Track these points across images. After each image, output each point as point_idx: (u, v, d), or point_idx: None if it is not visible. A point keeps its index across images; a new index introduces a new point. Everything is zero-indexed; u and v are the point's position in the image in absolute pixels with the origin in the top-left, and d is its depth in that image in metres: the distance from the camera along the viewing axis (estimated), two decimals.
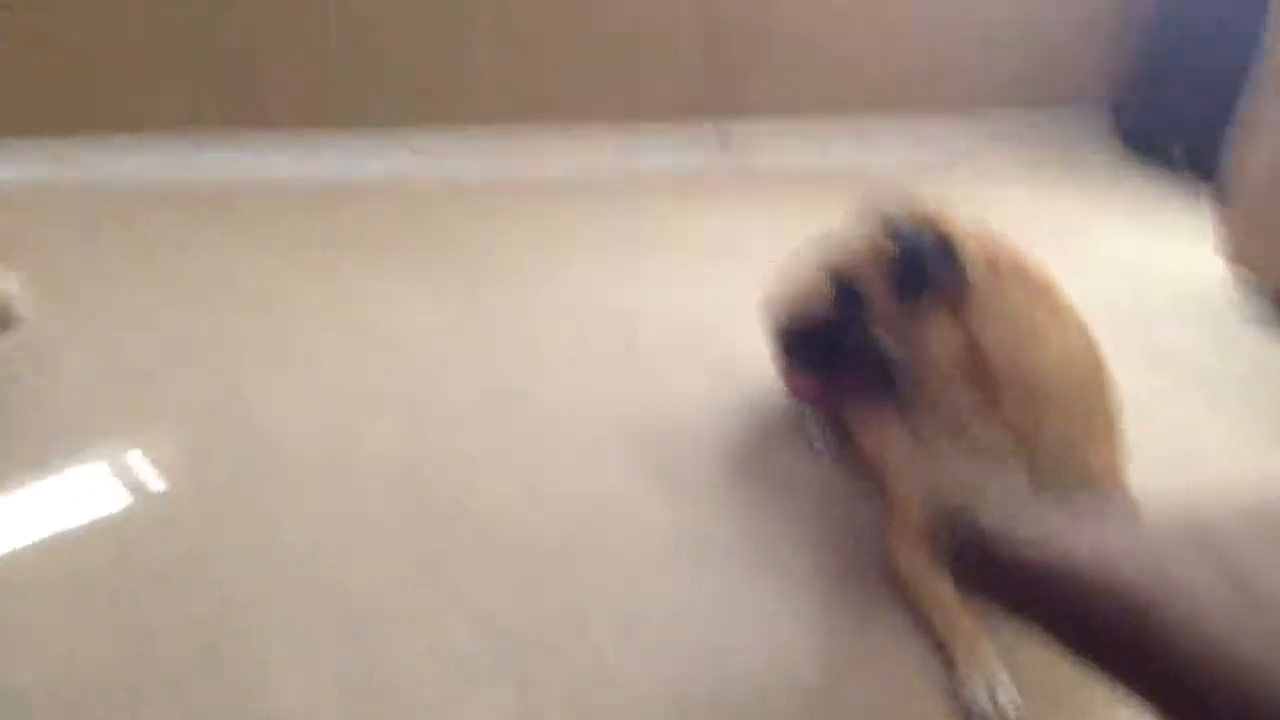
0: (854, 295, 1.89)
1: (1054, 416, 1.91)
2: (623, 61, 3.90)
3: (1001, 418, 1.89)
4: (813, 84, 4.15)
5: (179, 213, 3.26)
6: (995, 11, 4.29)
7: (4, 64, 3.31)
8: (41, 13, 3.30)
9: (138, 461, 2.21)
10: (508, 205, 3.53)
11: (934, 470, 1.97)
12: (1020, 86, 4.43)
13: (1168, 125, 4.23)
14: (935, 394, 1.89)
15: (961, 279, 1.82)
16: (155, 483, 2.16)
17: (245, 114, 3.55)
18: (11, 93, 3.34)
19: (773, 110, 4.12)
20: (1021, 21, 4.34)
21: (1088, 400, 1.95)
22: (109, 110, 3.43)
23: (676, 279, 3.14)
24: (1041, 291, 1.90)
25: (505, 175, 3.71)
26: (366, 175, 3.63)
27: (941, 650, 1.88)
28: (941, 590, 1.93)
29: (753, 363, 2.65)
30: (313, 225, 3.28)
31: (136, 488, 2.14)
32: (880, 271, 1.87)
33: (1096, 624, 1.04)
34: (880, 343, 1.87)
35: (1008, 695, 1.77)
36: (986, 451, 1.92)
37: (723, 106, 4.05)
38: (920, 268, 1.83)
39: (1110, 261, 3.42)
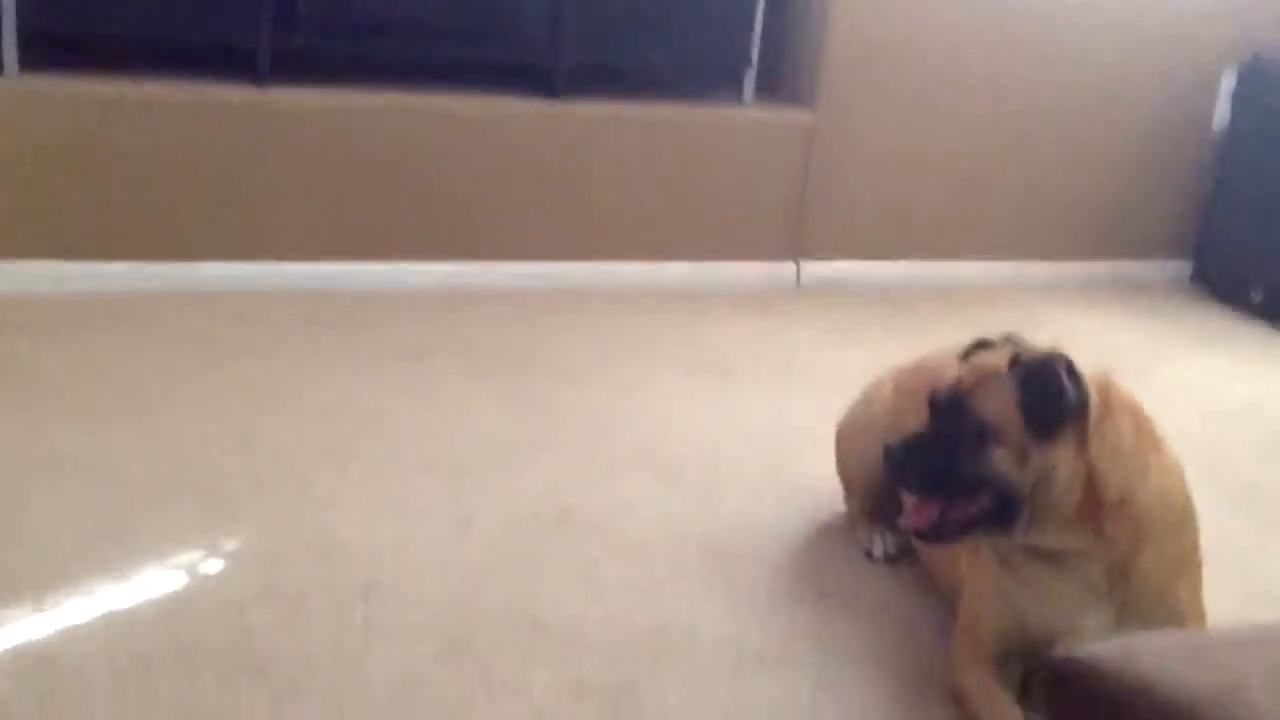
0: (975, 423, 1.88)
1: (1150, 553, 1.91)
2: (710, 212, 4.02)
3: (1104, 552, 1.90)
4: (890, 230, 4.23)
5: (255, 320, 3.34)
6: (1074, 166, 4.36)
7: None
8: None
9: (202, 557, 2.25)
10: (581, 322, 3.58)
11: (1021, 598, 1.96)
12: (1099, 239, 4.48)
13: (1247, 270, 4.24)
14: (1047, 526, 1.89)
15: (1087, 412, 1.85)
16: (219, 578, 2.19)
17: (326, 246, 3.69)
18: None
19: (850, 254, 4.20)
20: (1100, 175, 4.40)
21: (1181, 538, 1.96)
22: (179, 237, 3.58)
23: (747, 399, 3.17)
24: (1146, 428, 1.92)
25: (583, 294, 3.78)
26: (449, 289, 3.72)
27: None
28: (1007, 712, 1.90)
29: (816, 481, 2.66)
30: (392, 332, 3.35)
31: (200, 582, 2.17)
32: (1010, 400, 1.87)
33: None
34: (1002, 472, 1.87)
35: None
36: (1083, 585, 1.92)
37: (802, 249, 4.14)
38: (1056, 399, 1.85)
39: (1192, 399, 3.40)
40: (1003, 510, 1.88)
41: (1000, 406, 1.87)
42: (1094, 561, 1.90)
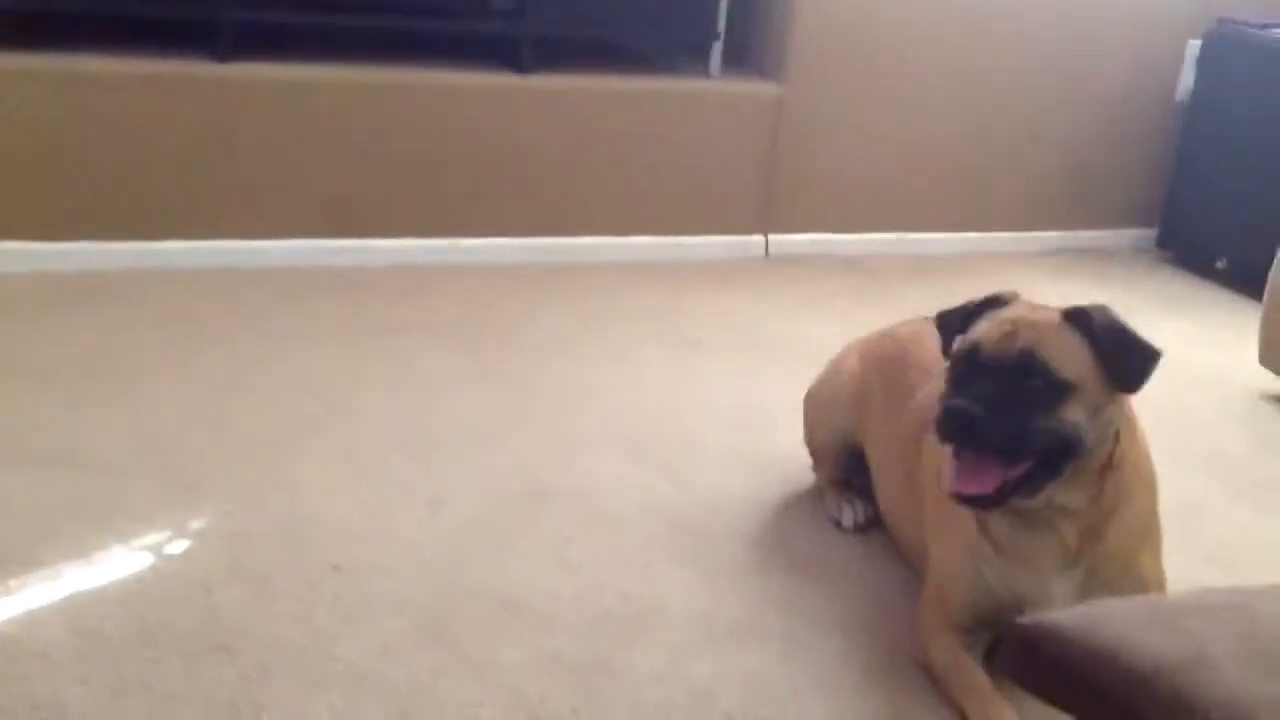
0: (1056, 379, 1.83)
1: (1123, 516, 1.93)
2: (678, 186, 4.01)
3: (1091, 511, 1.91)
4: (858, 202, 4.23)
5: (223, 298, 3.32)
6: (1040, 136, 4.37)
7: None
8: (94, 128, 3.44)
9: (168, 538, 2.23)
10: (551, 297, 3.57)
11: (992, 564, 1.96)
12: (1066, 208, 4.49)
13: (1212, 237, 4.26)
14: (1075, 481, 1.88)
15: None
16: (186, 558, 2.17)
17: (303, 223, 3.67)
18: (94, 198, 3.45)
19: (818, 226, 4.20)
20: (1066, 145, 4.41)
21: (1148, 503, 1.97)
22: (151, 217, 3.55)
23: (717, 372, 3.17)
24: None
25: (552, 269, 3.76)
26: (419, 265, 3.70)
27: None
28: (976, 677, 1.91)
29: (783, 453, 2.67)
30: (362, 309, 3.33)
31: (167, 562, 2.15)
32: (1086, 354, 1.85)
33: (1138, 715, 1.03)
34: (1079, 426, 1.83)
35: None
36: (1057, 547, 1.93)
37: (771, 222, 4.13)
38: (1138, 351, 1.87)
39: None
40: (1051, 467, 1.85)
41: (1078, 360, 1.84)
42: (1076, 521, 1.90)
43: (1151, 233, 4.57)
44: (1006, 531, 1.94)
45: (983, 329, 1.90)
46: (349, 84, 3.65)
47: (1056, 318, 1.89)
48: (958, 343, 1.93)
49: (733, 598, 2.20)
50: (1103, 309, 1.90)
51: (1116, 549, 1.94)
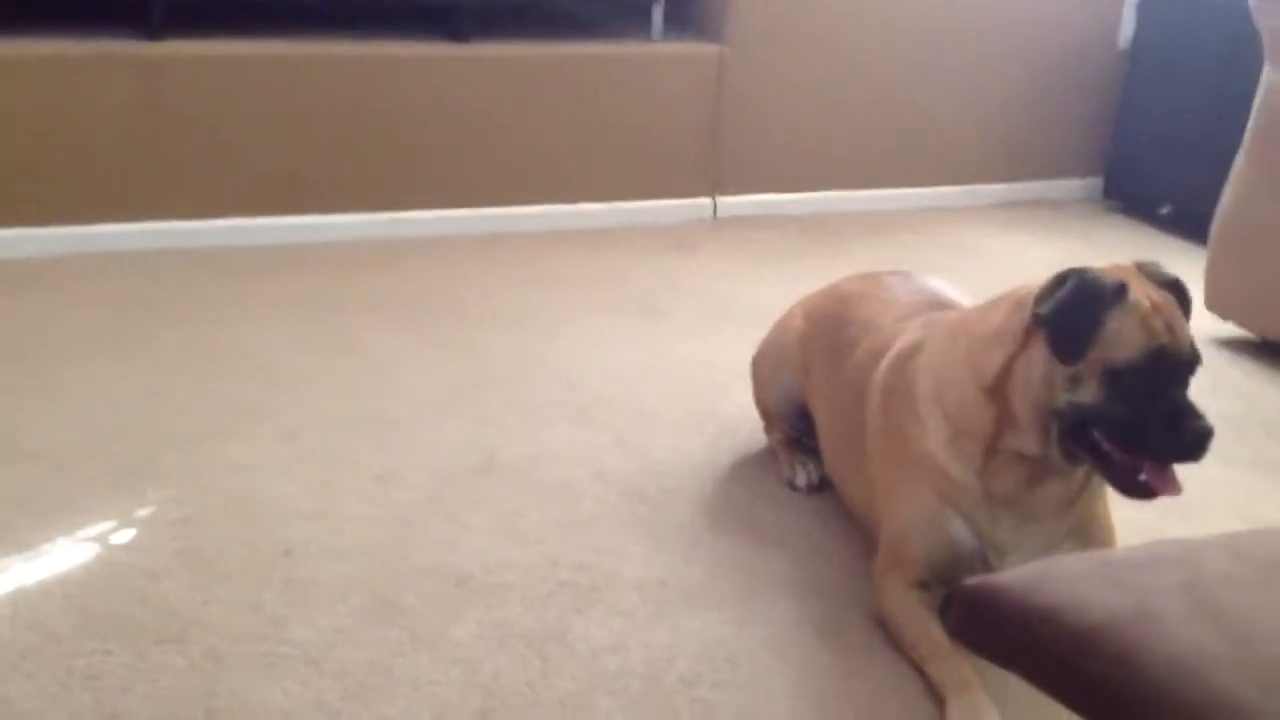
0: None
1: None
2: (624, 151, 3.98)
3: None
4: (806, 161, 4.21)
5: (163, 281, 3.26)
6: (984, 90, 4.36)
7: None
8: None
9: (114, 527, 2.19)
10: (499, 267, 3.53)
11: (975, 516, 1.95)
12: (1012, 160, 4.49)
13: (1156, 185, 4.28)
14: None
15: None
16: (132, 547, 2.13)
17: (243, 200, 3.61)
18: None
19: (766, 187, 4.18)
20: (1011, 98, 4.41)
21: None
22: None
23: (668, 337, 3.15)
24: None
25: (500, 240, 3.73)
26: (363, 240, 3.66)
27: (934, 693, 1.87)
28: (933, 633, 1.92)
29: (735, 415, 2.66)
30: (307, 287, 3.29)
31: (113, 552, 2.12)
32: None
33: (1082, 672, 1.02)
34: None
35: None
36: (1059, 500, 1.94)
37: (719, 184, 4.11)
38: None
39: None
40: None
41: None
42: (1079, 471, 1.93)
43: (1098, 182, 4.59)
44: (1016, 484, 1.92)
45: (1153, 328, 1.81)
46: (285, 58, 3.59)
47: (1172, 298, 1.87)
48: (1141, 351, 1.79)
49: (688, 563, 2.19)
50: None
51: (1088, 496, 1.96)
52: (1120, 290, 1.80)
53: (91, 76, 3.41)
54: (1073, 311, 1.80)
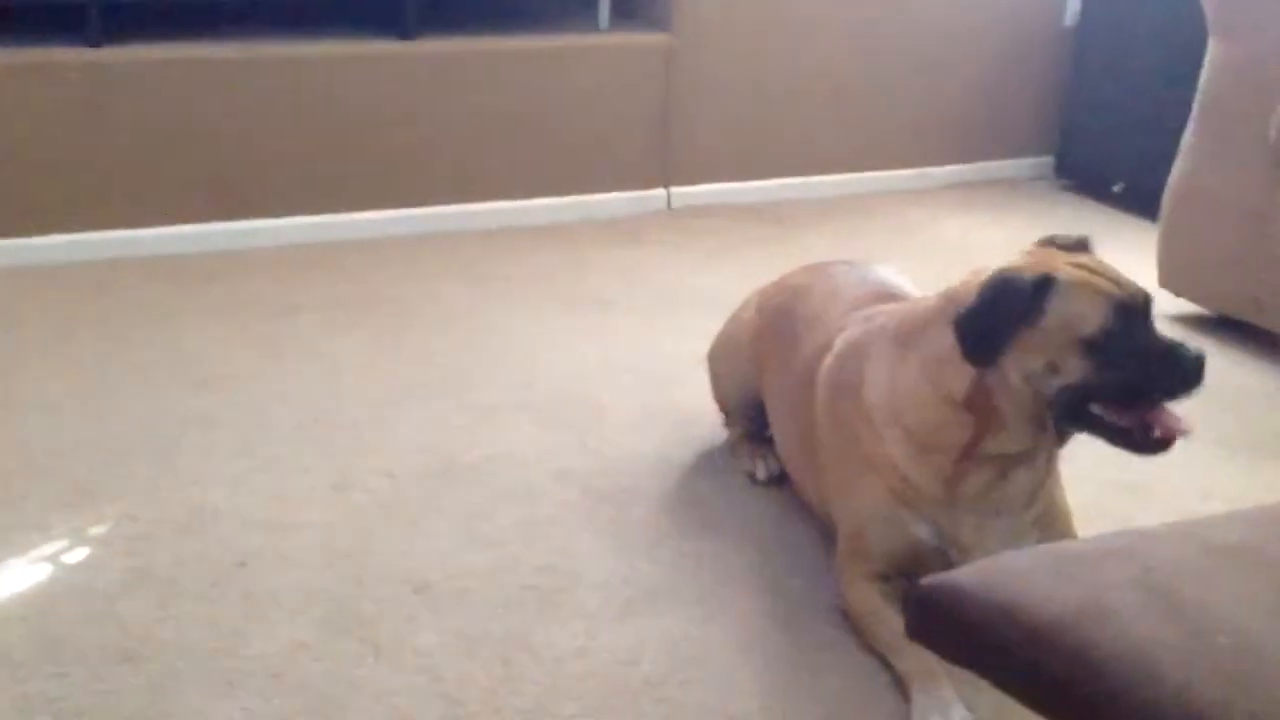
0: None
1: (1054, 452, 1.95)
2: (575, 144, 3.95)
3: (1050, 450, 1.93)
4: (758, 149, 4.20)
5: (107, 291, 3.22)
6: (934, 71, 4.36)
7: None
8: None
9: (66, 547, 2.16)
10: (451, 266, 3.50)
11: (934, 513, 1.95)
12: (964, 141, 4.50)
13: (1107, 162, 4.30)
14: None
15: None
16: (86, 567, 2.10)
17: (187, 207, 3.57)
18: None
19: (719, 176, 4.17)
20: (960, 78, 4.41)
21: None
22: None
23: (625, 331, 3.14)
24: None
25: (451, 238, 3.70)
26: (313, 242, 3.62)
27: (898, 684, 1.86)
28: (895, 625, 1.91)
29: (694, 409, 2.64)
30: (254, 293, 3.25)
31: (66, 573, 2.09)
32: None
33: (1038, 669, 1.02)
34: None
35: None
36: (1030, 488, 1.94)
37: (671, 174, 4.09)
38: None
39: None
40: None
41: None
42: (1046, 457, 1.93)
43: (1049, 160, 4.60)
44: (986, 483, 1.91)
45: (1101, 288, 1.82)
46: (227, 61, 3.54)
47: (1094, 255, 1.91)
48: (1104, 312, 1.80)
49: (651, 562, 2.18)
50: None
51: (1050, 484, 1.97)
52: (1044, 281, 1.81)
53: (30, 85, 3.35)
54: (988, 316, 1.82)
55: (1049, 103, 4.53)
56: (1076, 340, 1.79)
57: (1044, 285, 1.81)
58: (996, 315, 1.81)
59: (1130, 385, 1.81)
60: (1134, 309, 1.82)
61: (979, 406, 1.87)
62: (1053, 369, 1.81)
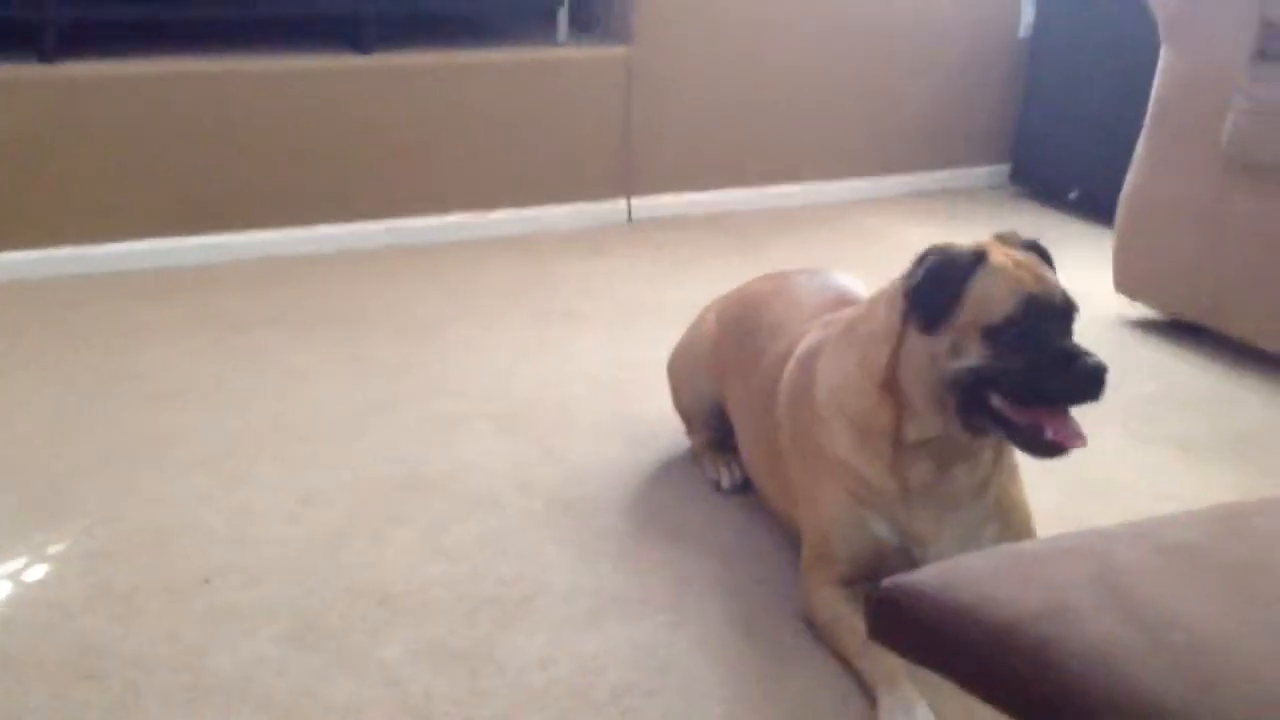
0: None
1: (1007, 447, 1.97)
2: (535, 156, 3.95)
3: (996, 443, 1.95)
4: (718, 159, 4.22)
5: (69, 306, 3.19)
6: (891, 81, 4.40)
7: None
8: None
9: (24, 564, 2.14)
10: (412, 278, 3.50)
11: (891, 509, 1.96)
12: (922, 150, 4.53)
13: (1062, 170, 4.34)
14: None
15: None
16: (45, 584, 2.09)
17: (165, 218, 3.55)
18: None
19: (679, 186, 4.19)
20: (916, 88, 4.45)
21: None
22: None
23: (587, 342, 3.14)
24: None
25: (412, 251, 3.70)
26: (273, 256, 3.61)
27: (863, 688, 1.88)
28: (859, 628, 1.92)
29: (658, 419, 2.65)
30: (213, 307, 3.23)
31: (25, 589, 2.07)
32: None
33: (998, 669, 1.03)
34: None
35: None
36: (977, 478, 1.95)
37: (632, 185, 4.10)
38: None
39: None
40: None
41: None
42: (989, 449, 1.95)
43: (1005, 168, 4.64)
44: (929, 473, 1.94)
45: (1020, 279, 1.84)
46: (187, 75, 3.53)
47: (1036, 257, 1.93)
48: (1013, 303, 1.83)
49: (615, 570, 2.19)
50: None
51: (1003, 479, 1.99)
52: (979, 256, 1.86)
53: None
54: (932, 282, 1.86)
55: (1005, 112, 4.58)
56: (980, 324, 1.83)
57: (976, 261, 1.85)
58: (941, 282, 1.85)
59: (1022, 381, 1.83)
60: (1047, 309, 1.85)
61: (894, 388, 1.91)
62: (955, 350, 1.85)
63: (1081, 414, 1.87)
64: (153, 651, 1.91)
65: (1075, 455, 1.89)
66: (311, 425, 2.66)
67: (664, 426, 2.63)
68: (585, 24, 4.11)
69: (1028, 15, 4.47)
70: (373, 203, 3.78)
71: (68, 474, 2.42)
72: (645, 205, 4.13)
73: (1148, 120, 3.25)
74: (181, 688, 1.84)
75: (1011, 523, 2.00)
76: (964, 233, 3.96)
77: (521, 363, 3.03)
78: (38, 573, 2.11)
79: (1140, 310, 3.34)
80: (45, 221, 3.42)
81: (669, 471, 2.54)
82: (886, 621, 1.08)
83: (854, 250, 3.85)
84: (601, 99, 4.01)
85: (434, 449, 2.58)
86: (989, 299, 1.83)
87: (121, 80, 3.46)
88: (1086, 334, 3.25)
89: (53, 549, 2.18)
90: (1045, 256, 1.96)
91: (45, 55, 3.39)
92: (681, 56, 4.08)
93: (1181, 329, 3.26)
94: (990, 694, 1.01)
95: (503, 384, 2.90)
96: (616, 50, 4.02)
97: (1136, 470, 2.59)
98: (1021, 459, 2.00)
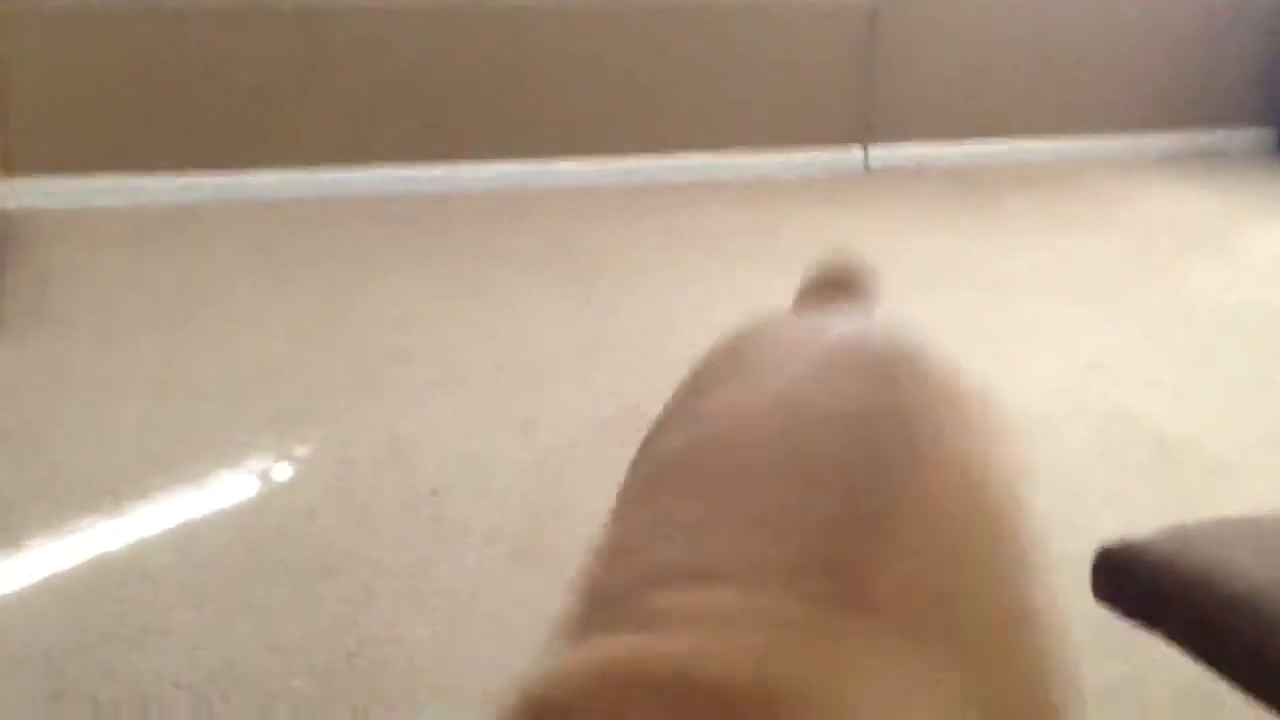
0: None
1: None
2: (771, 98, 3.93)
3: None
4: (961, 109, 4.12)
5: (315, 228, 3.35)
6: (1148, 34, 4.21)
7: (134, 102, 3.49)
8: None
9: (273, 464, 2.28)
10: (644, 218, 3.54)
11: None
12: (1176, 108, 4.34)
13: None
14: None
15: None
16: (291, 484, 2.22)
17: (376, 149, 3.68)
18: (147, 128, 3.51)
19: (919, 135, 4.11)
20: (1175, 43, 4.25)
21: None
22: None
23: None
24: None
25: (645, 190, 3.73)
26: (513, 189, 3.70)
27: None
28: None
29: None
30: (451, 240, 3.34)
31: (272, 488, 2.20)
32: None
33: (1231, 638, 0.99)
34: None
35: None
36: None
37: (870, 132, 4.05)
38: None
39: (1274, 269, 3.30)
40: None
41: None
42: None
43: (1269, 132, 4.39)
44: None
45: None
46: (434, 9, 3.64)
47: None
48: None
49: None
50: None
51: None
52: None
53: (248, 26, 3.50)
54: None
55: (1270, 72, 4.33)
56: None
57: None
58: None
59: None
60: None
61: None
62: None
63: None
64: (386, 557, 2.01)
65: None
66: (539, 357, 2.74)
67: None
68: None
69: None
70: (606, 140, 3.84)
71: (312, 385, 2.56)
72: (883, 154, 4.07)
73: None
74: (410, 592, 1.93)
75: None
76: (1216, 199, 3.81)
77: (743, 311, 3.02)
78: (284, 474, 2.25)
79: None
80: (298, 145, 3.59)
81: None
82: (1111, 581, 1.06)
83: (1098, 213, 3.71)
84: (844, 42, 3.96)
85: (656, 388, 2.60)
86: None
87: (378, 12, 3.59)
88: None
89: (299, 452, 2.31)
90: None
91: None
92: (933, 2, 3.99)
93: None
94: (1221, 662, 0.98)
95: (724, 331, 2.91)
96: None
97: None
98: None
